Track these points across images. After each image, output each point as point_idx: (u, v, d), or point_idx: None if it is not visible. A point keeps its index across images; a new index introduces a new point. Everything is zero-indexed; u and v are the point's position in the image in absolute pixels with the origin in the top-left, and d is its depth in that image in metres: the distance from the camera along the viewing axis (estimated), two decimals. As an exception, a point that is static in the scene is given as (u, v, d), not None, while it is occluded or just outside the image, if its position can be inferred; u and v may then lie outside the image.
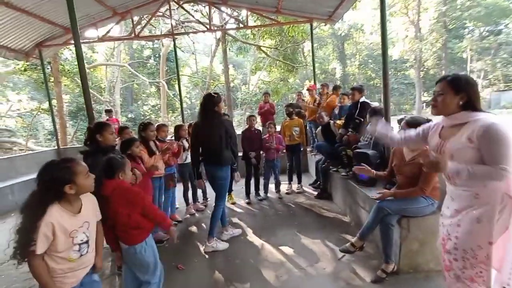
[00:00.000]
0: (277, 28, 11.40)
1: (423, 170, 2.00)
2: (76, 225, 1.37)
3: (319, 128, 4.67)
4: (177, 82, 19.18)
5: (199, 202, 4.46)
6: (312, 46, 6.47)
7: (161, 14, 7.87)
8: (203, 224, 3.76)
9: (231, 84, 23.11)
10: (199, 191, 4.39)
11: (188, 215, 4.12)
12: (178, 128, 4.16)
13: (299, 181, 4.89)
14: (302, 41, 11.19)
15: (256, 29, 12.18)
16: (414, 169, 2.07)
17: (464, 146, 1.37)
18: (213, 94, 2.85)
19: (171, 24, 6.97)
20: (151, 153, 3.04)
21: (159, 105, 18.62)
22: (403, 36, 21.85)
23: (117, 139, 3.17)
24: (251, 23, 10.37)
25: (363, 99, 3.74)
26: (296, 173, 4.87)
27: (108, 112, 7.62)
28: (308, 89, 6.14)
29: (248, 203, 4.40)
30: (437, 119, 1.61)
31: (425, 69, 23.37)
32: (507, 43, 20.54)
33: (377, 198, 2.23)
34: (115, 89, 15.72)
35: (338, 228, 3.22)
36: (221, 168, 2.86)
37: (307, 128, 6.10)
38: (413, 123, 2.02)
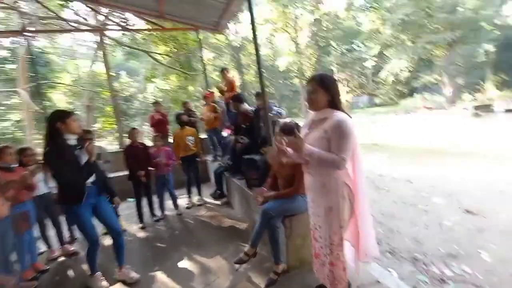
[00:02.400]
0: (169, 34, 10.88)
1: (297, 172, 2.18)
2: None
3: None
4: (49, 91, 15.68)
5: (68, 242, 3.58)
6: (202, 54, 6.42)
7: (6, 5, 6.09)
8: (80, 270, 3.02)
9: (126, 93, 20.62)
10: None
11: (60, 258, 3.26)
12: (21, 152, 3.06)
13: (199, 193, 4.69)
14: (195, 49, 11.07)
15: (147, 34, 11.28)
16: (290, 171, 2.23)
17: (321, 136, 1.59)
18: (56, 110, 2.31)
19: (22, 19, 5.49)
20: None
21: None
22: (286, 50, 25.01)
23: None
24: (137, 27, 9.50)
25: (245, 106, 3.88)
26: (196, 184, 4.66)
27: None
28: (204, 97, 5.93)
29: (142, 228, 3.88)
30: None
31: (305, 79, 27.51)
32: (359, 59, 26.62)
33: (259, 204, 2.30)
34: None
35: (236, 238, 3.19)
36: (66, 209, 2.42)
37: (208, 137, 5.97)
38: (285, 129, 2.18)
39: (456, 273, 2.48)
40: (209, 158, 5.83)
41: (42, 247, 3.48)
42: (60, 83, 16.76)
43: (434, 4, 17.82)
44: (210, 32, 6.97)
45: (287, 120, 2.50)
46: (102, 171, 2.61)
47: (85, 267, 3.03)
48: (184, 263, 2.76)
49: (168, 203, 4.31)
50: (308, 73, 27.12)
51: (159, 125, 5.89)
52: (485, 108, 12.69)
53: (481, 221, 3.34)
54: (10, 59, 16.29)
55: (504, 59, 20.67)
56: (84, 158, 2.28)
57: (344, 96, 26.30)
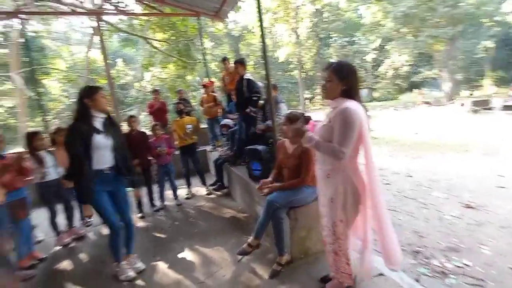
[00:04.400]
0: (167, 21, 10.58)
1: (304, 162, 2.15)
2: None
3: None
4: (43, 77, 15.31)
5: (75, 226, 3.57)
6: (202, 41, 6.26)
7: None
8: (81, 256, 2.99)
9: (122, 81, 20.27)
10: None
11: (59, 247, 3.22)
12: (31, 137, 3.13)
13: (204, 182, 4.60)
14: (194, 37, 10.81)
15: (145, 20, 10.97)
16: (296, 161, 2.19)
17: (326, 124, 1.56)
18: (85, 86, 2.25)
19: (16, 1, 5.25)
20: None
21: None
22: (286, 41, 24.63)
23: None
24: (135, 12, 9.23)
25: (248, 75, 3.73)
26: (198, 174, 4.57)
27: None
28: (204, 86, 5.83)
29: (142, 217, 3.84)
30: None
31: (305, 71, 27.26)
32: (359, 52, 26.38)
33: (265, 194, 2.26)
34: None
35: (238, 229, 3.17)
36: (80, 187, 2.22)
37: (208, 126, 5.91)
38: (292, 118, 2.13)
39: (456, 266, 2.50)
40: (209, 147, 5.78)
41: (39, 235, 3.44)
42: (54, 69, 16.36)
43: (436, -3, 17.61)
44: (211, 19, 6.78)
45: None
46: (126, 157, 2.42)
47: (82, 255, 3.01)
48: (186, 254, 2.74)
49: (168, 193, 4.26)
50: (308, 65, 26.86)
51: (158, 114, 5.78)
52: (483, 104, 12.72)
53: (481, 215, 3.36)
54: (2, 43, 15.85)
55: (502, 56, 20.73)
56: (107, 141, 2.20)
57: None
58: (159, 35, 11.98)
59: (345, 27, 26.10)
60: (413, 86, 23.12)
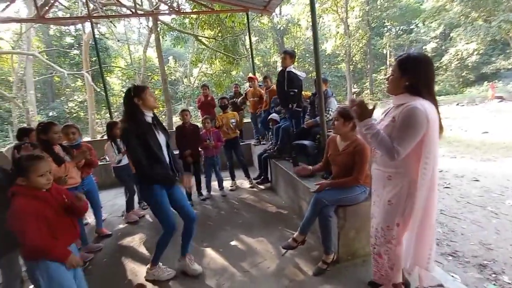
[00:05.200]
0: (216, 18, 10.94)
1: (358, 161, 2.04)
2: None
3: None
4: (107, 74, 17.22)
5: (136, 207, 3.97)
6: (250, 36, 6.32)
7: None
8: (138, 235, 3.32)
9: (172, 77, 21.69)
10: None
11: (126, 224, 3.64)
12: (111, 126, 3.56)
13: (248, 175, 4.65)
14: (241, 32, 10.99)
15: (194, 18, 11.51)
16: (347, 159, 2.09)
17: (389, 124, 1.44)
18: (132, 86, 2.16)
19: (87, 5, 5.94)
20: (58, 161, 2.47)
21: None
22: (334, 32, 23.47)
23: None
24: (187, 10, 9.73)
25: (290, 68, 3.62)
26: (242, 167, 4.64)
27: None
28: (249, 78, 5.88)
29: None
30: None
31: (353, 63, 25.74)
32: (417, 41, 23.93)
33: (315, 191, 2.21)
34: (27, 83, 13.15)
35: (282, 223, 3.18)
36: (141, 187, 2.21)
37: (251, 120, 6.01)
38: (344, 113, 2.03)
39: (534, 287, 2.15)
40: (253, 141, 5.87)
41: (103, 214, 3.89)
42: (116, 67, 18.22)
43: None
44: (259, 13, 6.79)
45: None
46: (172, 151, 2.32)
47: (140, 234, 3.33)
48: (232, 242, 2.85)
49: (213, 183, 4.46)
50: (357, 57, 25.35)
51: (206, 107, 6.06)
52: None
53: None
54: (75, 45, 18.23)
55: None
56: (161, 136, 2.14)
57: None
58: (207, 32, 12.46)
59: (402, 14, 23.79)
60: (482, 78, 20.12)
